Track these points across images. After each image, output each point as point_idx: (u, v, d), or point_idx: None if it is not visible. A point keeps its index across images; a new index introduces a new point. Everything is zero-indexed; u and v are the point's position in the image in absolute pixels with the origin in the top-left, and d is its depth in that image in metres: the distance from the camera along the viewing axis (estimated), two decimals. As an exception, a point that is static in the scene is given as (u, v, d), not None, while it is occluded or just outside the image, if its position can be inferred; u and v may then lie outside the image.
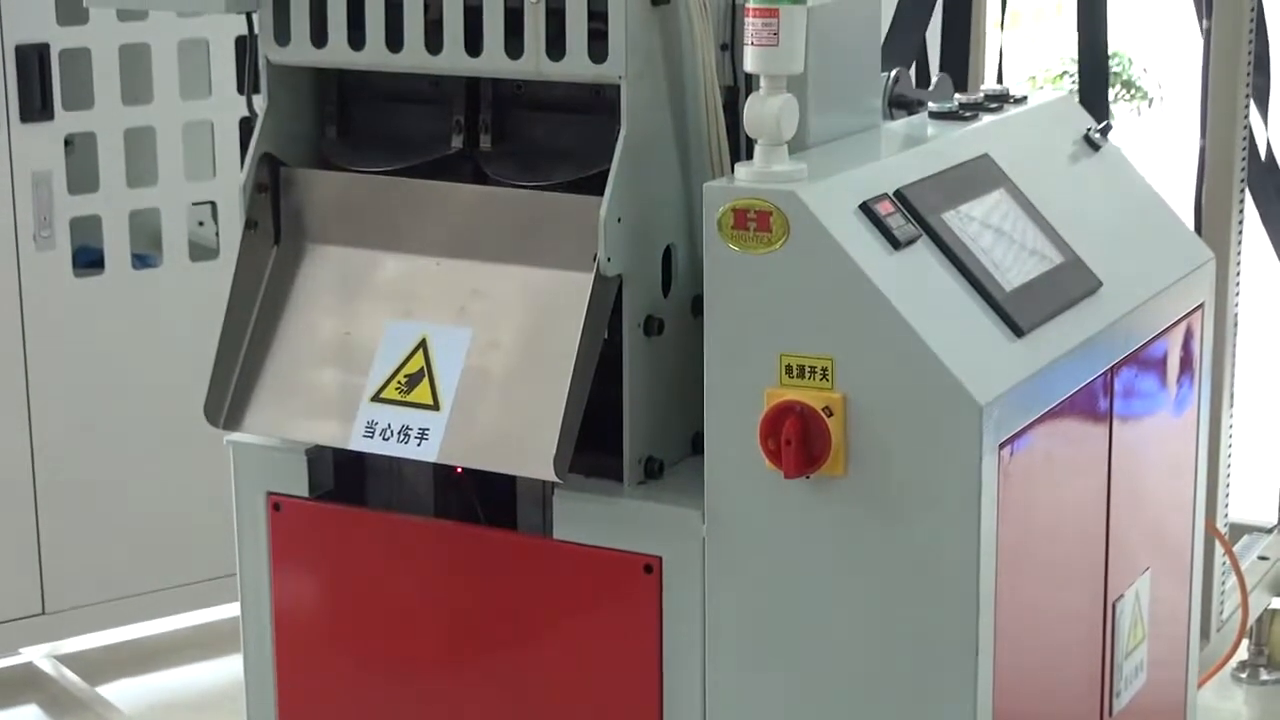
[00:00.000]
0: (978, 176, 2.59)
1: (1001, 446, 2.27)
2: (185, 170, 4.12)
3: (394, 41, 2.47)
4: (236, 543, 2.68)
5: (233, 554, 2.68)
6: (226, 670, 4.24)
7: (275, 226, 2.59)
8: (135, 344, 4.13)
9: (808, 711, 2.35)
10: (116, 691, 4.25)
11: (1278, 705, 4.12)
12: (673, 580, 2.38)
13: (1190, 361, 2.95)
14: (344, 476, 2.58)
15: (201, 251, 4.21)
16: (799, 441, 2.25)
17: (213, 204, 4.23)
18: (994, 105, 2.82)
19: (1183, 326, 2.90)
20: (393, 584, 2.55)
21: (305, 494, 2.58)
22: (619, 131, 2.36)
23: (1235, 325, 3.77)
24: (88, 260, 4.10)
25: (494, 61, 2.42)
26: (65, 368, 4.07)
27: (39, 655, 4.37)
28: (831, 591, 2.31)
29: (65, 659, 4.37)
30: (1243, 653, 4.19)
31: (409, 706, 2.55)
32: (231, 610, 2.82)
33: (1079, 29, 3.89)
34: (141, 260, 4.14)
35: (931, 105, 2.77)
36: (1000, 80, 3.73)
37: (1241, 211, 3.76)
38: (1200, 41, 3.73)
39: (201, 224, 4.29)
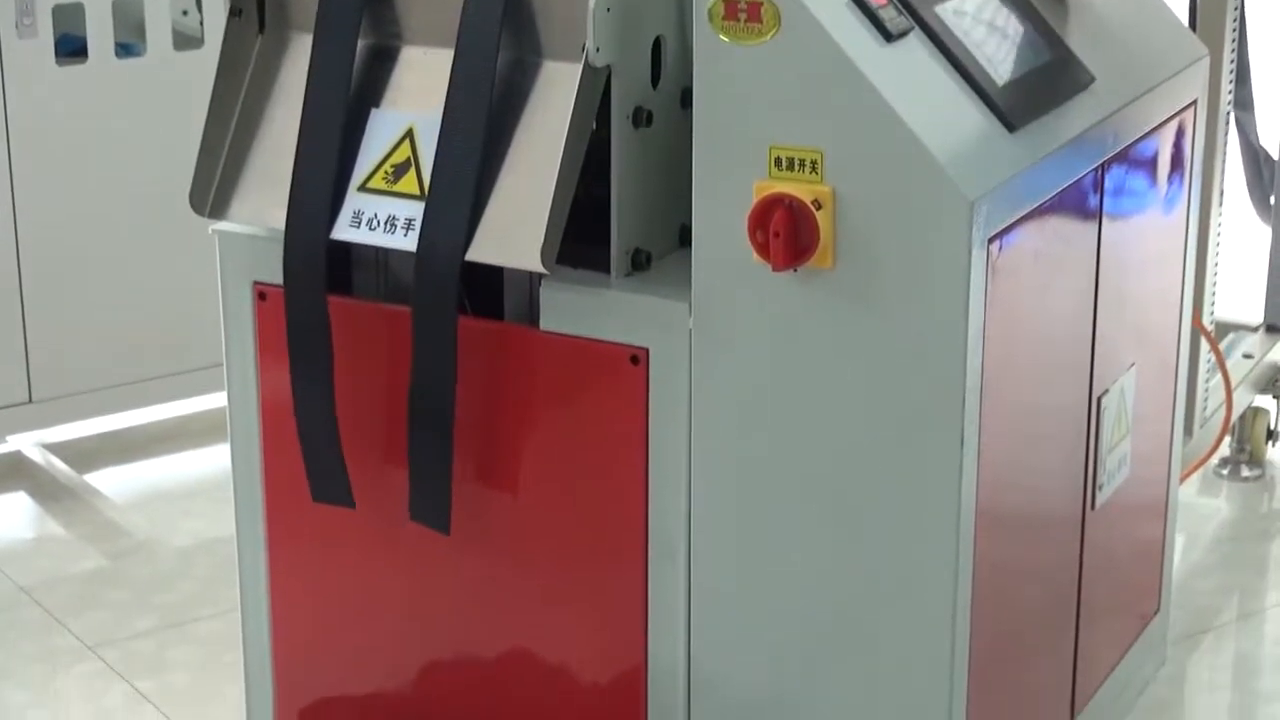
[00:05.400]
0: (971, -32, 2.56)
1: (990, 242, 2.27)
2: (169, -44, 4.07)
3: None
4: (223, 332, 2.68)
5: (220, 343, 2.68)
6: (214, 459, 4.27)
7: (260, 15, 2.56)
8: (120, 133, 4.10)
9: (791, 502, 2.37)
10: (105, 480, 4.28)
11: (1257, 501, 4.15)
12: (659, 371, 2.39)
13: (1181, 159, 2.94)
14: (330, 266, 2.57)
15: (186, 40, 4.16)
16: (787, 234, 2.24)
17: (197, -9, 4.19)
18: (989, -104, 2.78)
19: (1174, 124, 2.88)
20: (379, 374, 2.55)
21: (291, 284, 2.57)
22: (608, -82, 2.33)
23: (1227, 123, 3.75)
24: (70, 49, 4.05)
25: None
26: (49, 157, 4.04)
27: (27, 444, 4.39)
28: (816, 384, 2.32)
29: (53, 447, 4.39)
30: (1225, 449, 4.23)
31: (394, 494, 2.56)
32: (219, 400, 2.82)
33: None
34: (125, 49, 4.10)
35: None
36: None
37: (1237, 8, 3.73)
38: None
39: (185, 13, 4.24)
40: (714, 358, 2.36)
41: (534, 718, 2.60)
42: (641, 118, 2.40)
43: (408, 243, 2.42)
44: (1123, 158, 2.67)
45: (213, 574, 3.80)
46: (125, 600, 3.73)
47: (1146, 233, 2.87)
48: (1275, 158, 4.29)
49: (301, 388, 2.53)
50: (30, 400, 4.14)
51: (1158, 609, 3.19)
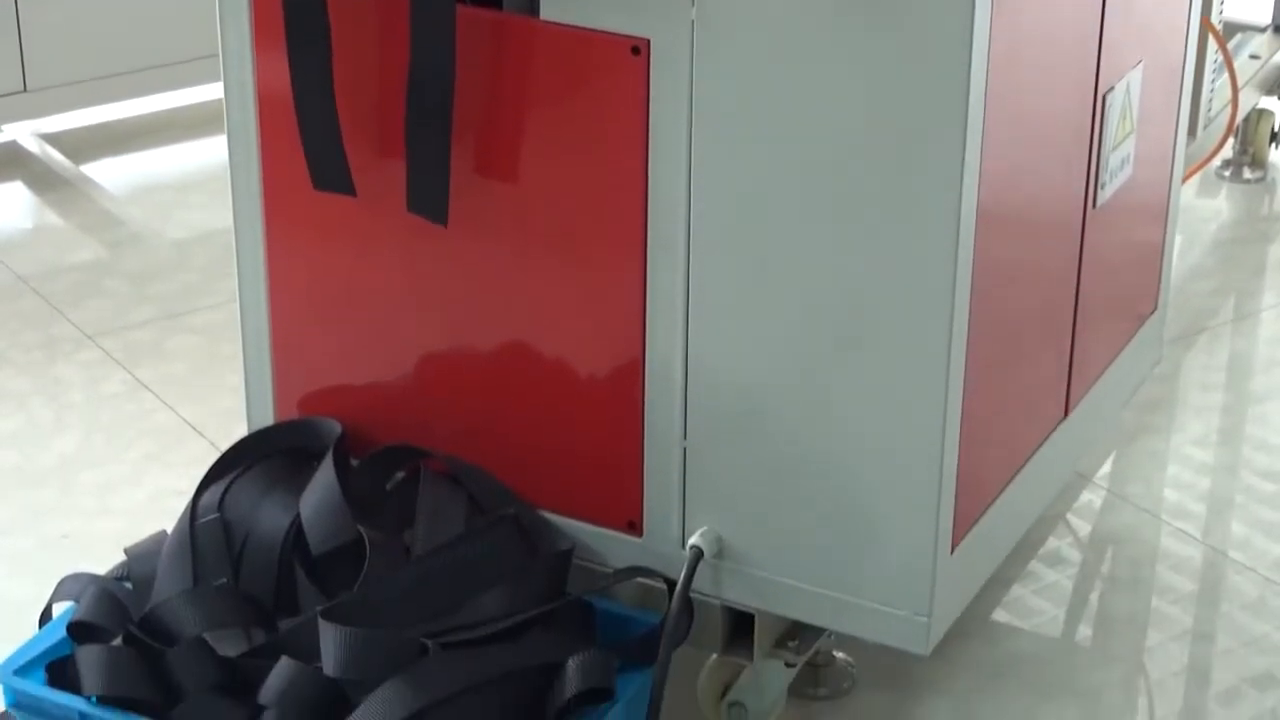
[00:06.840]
0: None
1: (999, -68, 2.23)
2: None
3: None
4: (218, 19, 2.64)
5: (216, 32, 2.65)
6: (210, 151, 4.26)
7: None
8: None
9: (791, 197, 2.36)
10: (100, 170, 4.27)
11: (1258, 203, 4.15)
12: (661, 63, 2.36)
13: None
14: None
15: None
16: (793, -78, 2.20)
17: None
18: None
19: None
20: (377, 63, 2.52)
21: (288, -31, 2.53)
22: None
23: None
24: None
25: None
26: None
27: (23, 134, 4.37)
28: (820, 77, 2.29)
29: (49, 138, 4.37)
30: (1227, 151, 4.22)
31: (392, 184, 2.55)
32: (215, 91, 2.80)
33: None
34: None
35: None
36: None
37: None
38: None
39: None
40: (716, 49, 2.33)
41: (531, 408, 2.62)
42: None
43: (406, -71, 2.38)
44: None
45: (210, 265, 3.81)
46: (123, 290, 3.74)
47: (1158, -73, 2.82)
48: None
49: (300, 73, 2.50)
50: (25, 89, 4.12)
51: (1155, 308, 3.19)
